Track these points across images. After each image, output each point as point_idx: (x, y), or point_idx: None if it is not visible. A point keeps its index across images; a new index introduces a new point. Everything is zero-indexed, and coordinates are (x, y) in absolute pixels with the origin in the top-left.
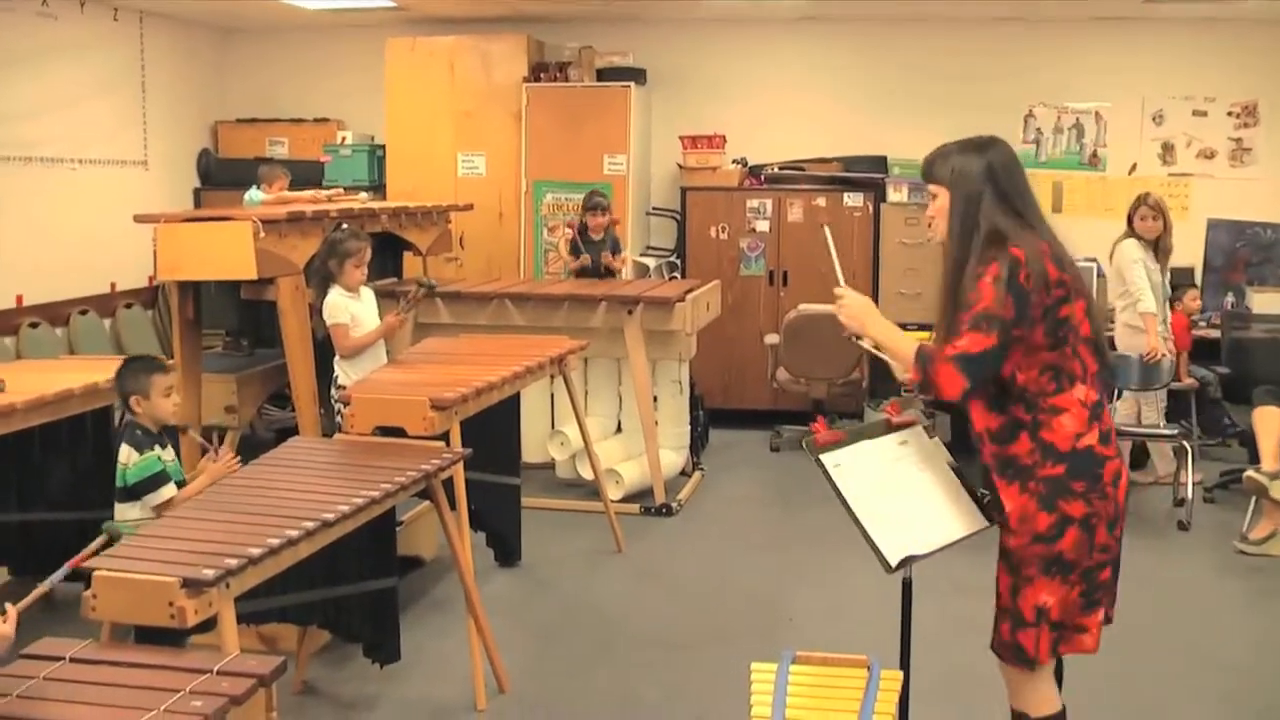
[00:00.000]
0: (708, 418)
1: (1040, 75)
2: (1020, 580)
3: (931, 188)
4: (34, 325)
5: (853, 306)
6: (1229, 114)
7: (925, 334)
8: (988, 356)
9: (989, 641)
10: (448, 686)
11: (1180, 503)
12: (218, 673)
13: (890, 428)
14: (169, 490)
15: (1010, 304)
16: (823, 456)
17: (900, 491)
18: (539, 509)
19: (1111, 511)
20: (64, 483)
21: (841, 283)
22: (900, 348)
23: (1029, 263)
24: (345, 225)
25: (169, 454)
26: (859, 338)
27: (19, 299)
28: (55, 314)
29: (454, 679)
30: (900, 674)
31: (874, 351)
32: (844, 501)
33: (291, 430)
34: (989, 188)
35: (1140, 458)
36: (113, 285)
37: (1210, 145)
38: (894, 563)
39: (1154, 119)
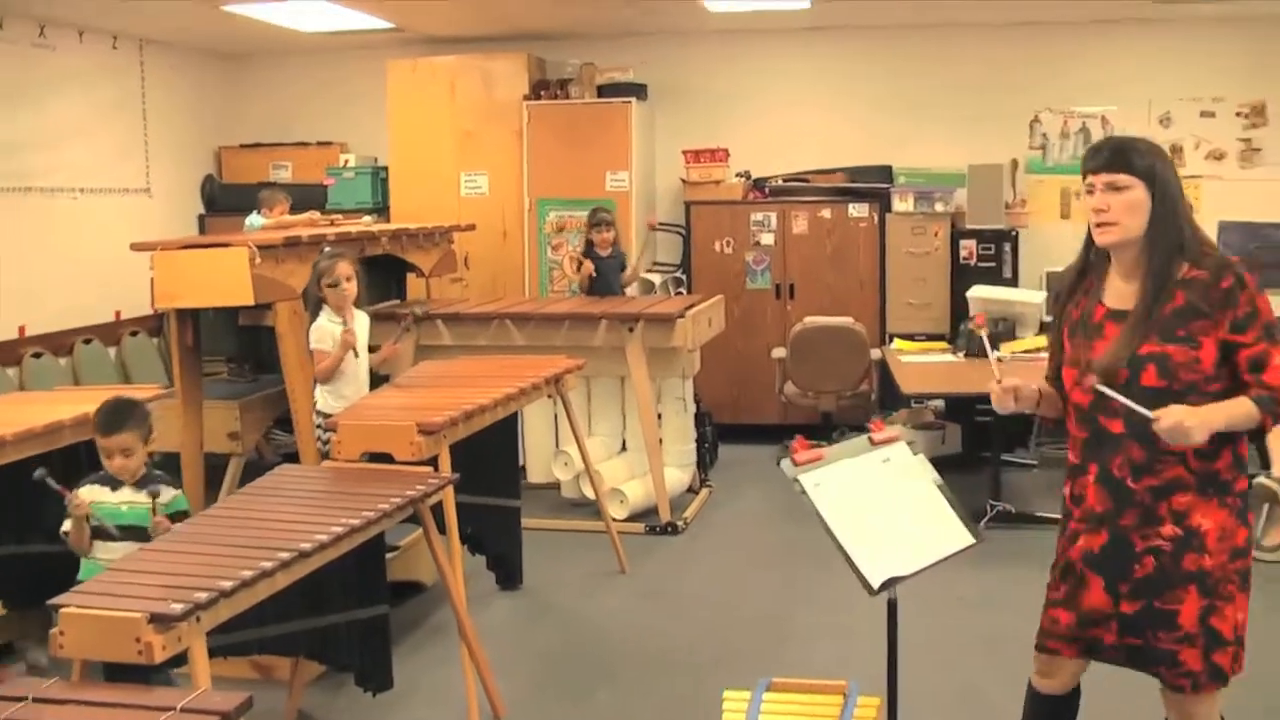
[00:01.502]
0: (716, 433)
1: (1046, 80)
2: (1219, 600)
3: (1122, 179)
4: (37, 355)
5: (1180, 425)
6: (1237, 114)
7: (936, 344)
8: None
9: (1159, 683)
10: (443, 714)
11: None
12: (181, 710)
13: (873, 445)
14: (66, 524)
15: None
16: (801, 476)
17: (882, 511)
18: (542, 530)
19: None
20: (59, 514)
21: (1146, 412)
22: (1238, 414)
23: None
24: (327, 248)
25: (117, 497)
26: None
27: (21, 330)
28: (58, 344)
29: (450, 706)
30: (879, 699)
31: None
32: (824, 523)
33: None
34: (1183, 198)
35: None
36: (117, 314)
37: (1219, 146)
38: (876, 584)
39: (1161, 121)
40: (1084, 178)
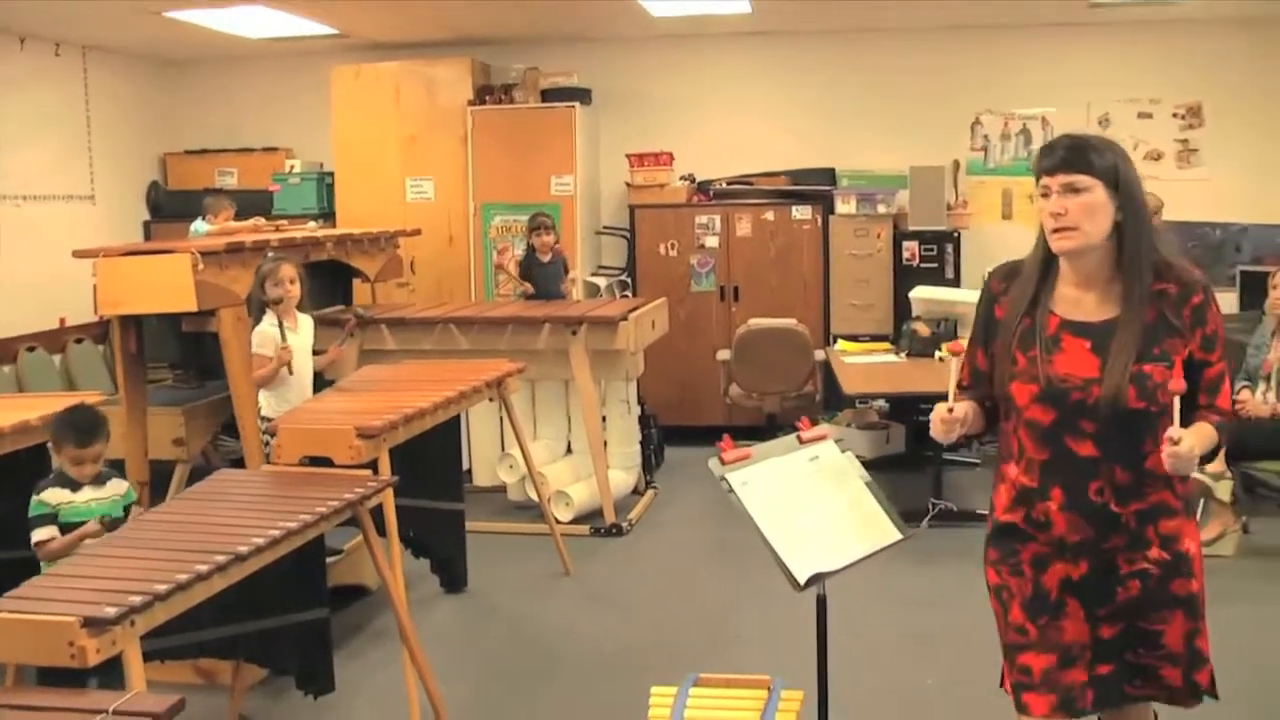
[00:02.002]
0: (661, 436)
1: (986, 82)
2: (1200, 623)
3: (1080, 179)
4: None
5: (1189, 451)
6: (1174, 115)
7: (880, 345)
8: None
9: (1160, 697)
10: (385, 716)
11: None
12: (113, 712)
13: (801, 444)
14: (42, 533)
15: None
16: (729, 475)
17: (809, 508)
18: (488, 533)
19: None
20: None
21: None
22: (1207, 440)
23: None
24: (270, 253)
25: (81, 495)
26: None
27: None
28: (3, 351)
29: (392, 710)
30: (801, 694)
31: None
32: (751, 521)
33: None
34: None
35: None
36: (62, 320)
37: (1157, 147)
38: (802, 580)
39: (1100, 122)
40: (1037, 179)
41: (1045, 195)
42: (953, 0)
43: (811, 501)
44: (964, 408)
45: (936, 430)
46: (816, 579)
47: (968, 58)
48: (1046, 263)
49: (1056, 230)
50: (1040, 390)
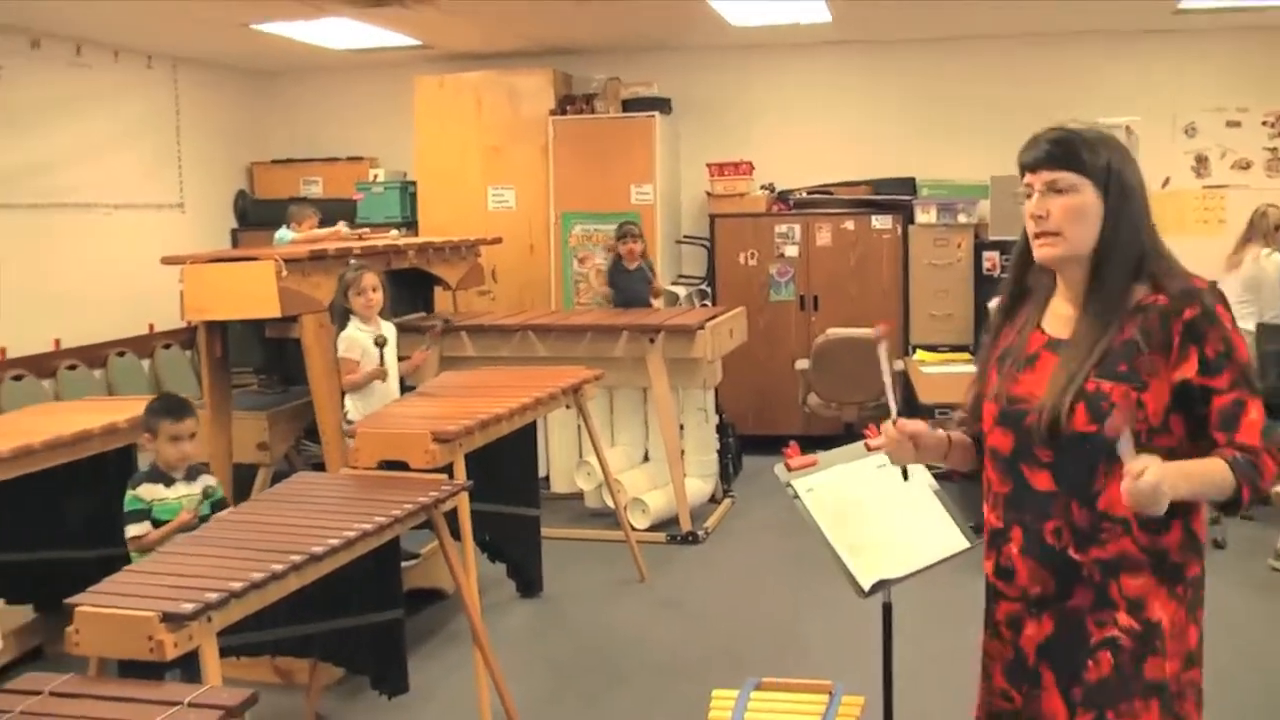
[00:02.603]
0: (739, 444)
1: (1069, 90)
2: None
3: (1064, 177)
4: (72, 368)
5: (1150, 486)
6: (1263, 124)
7: (959, 355)
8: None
9: None
10: (458, 717)
11: (1215, 520)
12: (188, 704)
13: (868, 451)
14: (136, 529)
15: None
16: (794, 481)
17: (875, 515)
18: (565, 540)
19: None
20: (87, 520)
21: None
22: (1209, 480)
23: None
24: (352, 260)
25: (173, 491)
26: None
27: (56, 342)
28: (93, 356)
29: (465, 711)
30: (862, 699)
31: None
32: (815, 527)
33: None
34: (1146, 203)
35: None
36: (150, 326)
37: (1245, 156)
38: (866, 587)
39: (1186, 131)
40: (1021, 176)
41: (1028, 195)
42: (1034, 7)
43: (877, 508)
44: (915, 426)
45: (886, 445)
46: (881, 586)
47: (1050, 65)
48: (1031, 275)
49: (1038, 235)
50: (999, 411)
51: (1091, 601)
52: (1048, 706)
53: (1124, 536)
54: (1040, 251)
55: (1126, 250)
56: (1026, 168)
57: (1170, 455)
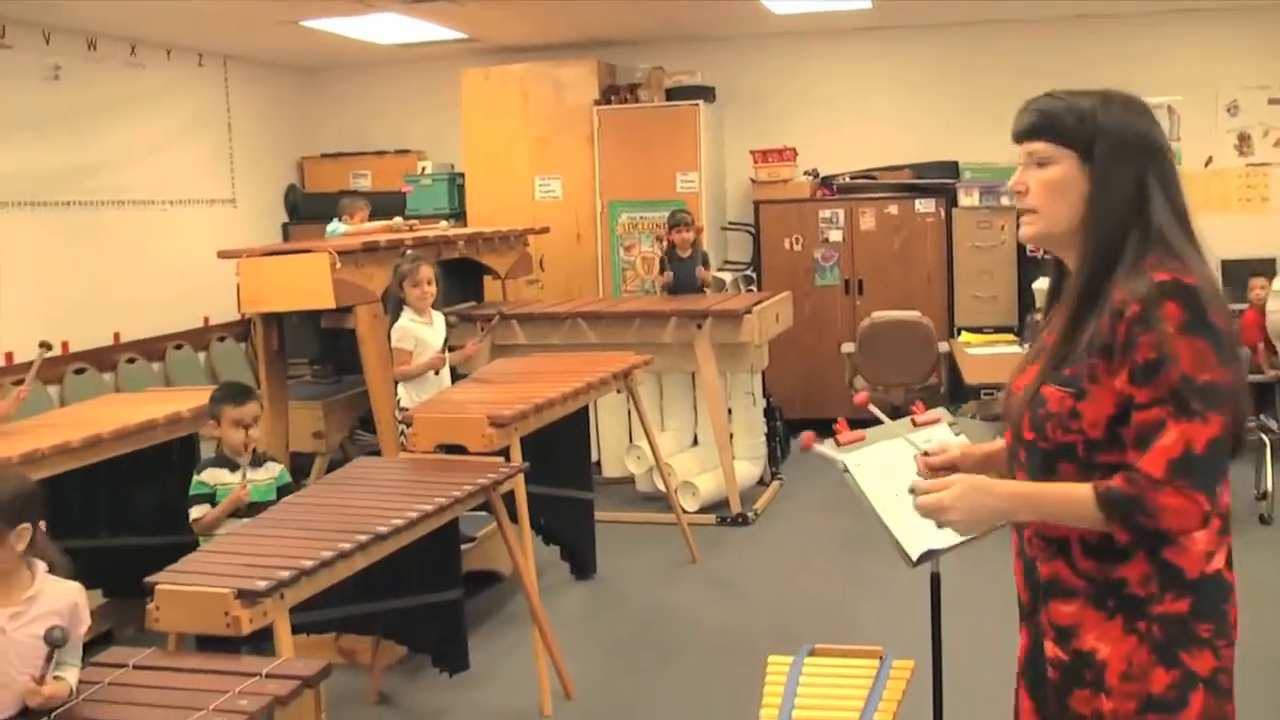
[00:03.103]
0: (786, 428)
1: (1109, 71)
2: None
3: (1041, 148)
4: (131, 361)
5: (961, 499)
6: None
7: (1003, 336)
8: (1218, 449)
9: None
10: (518, 695)
11: (1262, 496)
12: (266, 675)
13: (915, 427)
14: (196, 511)
15: (1214, 360)
16: (843, 456)
17: None
18: (617, 523)
19: (1232, 664)
20: (153, 508)
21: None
22: (1071, 510)
23: (1215, 295)
24: (408, 252)
25: (237, 476)
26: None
27: (116, 336)
28: (151, 349)
29: (524, 688)
30: (912, 662)
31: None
32: (865, 499)
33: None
34: (1153, 169)
35: None
36: (206, 319)
37: None
38: (915, 557)
39: (1228, 110)
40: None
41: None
42: None
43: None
44: (950, 455)
45: (925, 506)
46: (929, 556)
47: (1091, 46)
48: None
49: (1020, 213)
50: (1004, 409)
51: (1035, 625)
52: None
53: (1058, 559)
54: (1021, 231)
55: (1106, 232)
56: (1014, 139)
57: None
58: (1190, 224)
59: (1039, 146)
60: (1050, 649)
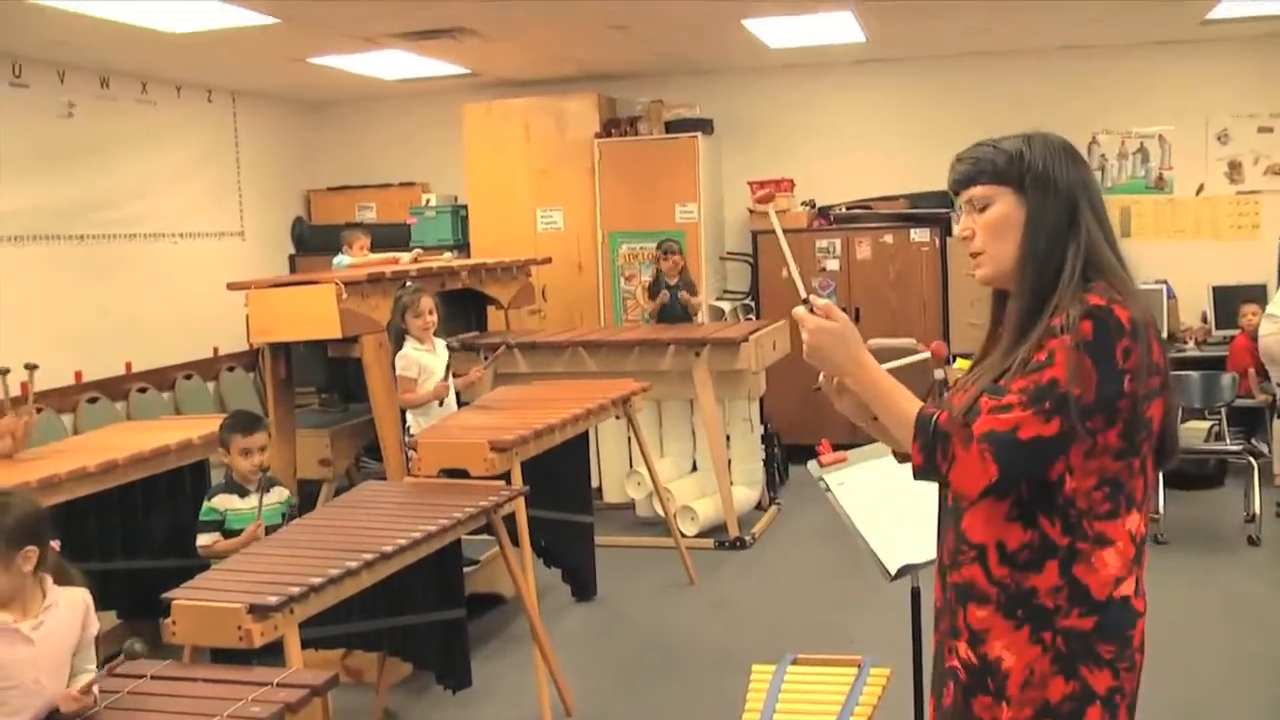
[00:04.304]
0: (784, 454)
1: (1102, 101)
2: None
3: (979, 192)
4: (142, 390)
5: (821, 334)
6: None
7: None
8: (1038, 447)
9: None
10: (519, 711)
11: (1251, 518)
12: (277, 684)
13: (821, 466)
14: (206, 539)
15: (1093, 382)
16: (826, 476)
17: (903, 505)
18: (616, 547)
19: (1133, 688)
20: (165, 532)
21: (803, 292)
22: (896, 405)
23: (1136, 333)
24: (408, 282)
25: (246, 503)
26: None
27: (128, 366)
28: (161, 379)
29: (525, 705)
30: (888, 670)
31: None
32: (846, 517)
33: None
34: (1086, 205)
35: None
36: (215, 350)
37: (1278, 161)
38: (893, 570)
39: (1219, 138)
40: None
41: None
42: (1064, 22)
43: (905, 500)
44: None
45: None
46: (907, 570)
47: (1082, 78)
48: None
49: (972, 257)
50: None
51: (948, 627)
52: None
53: (975, 564)
54: (976, 274)
55: (1042, 261)
56: (951, 190)
57: (1075, 495)
58: (1118, 246)
59: (977, 191)
60: (964, 651)
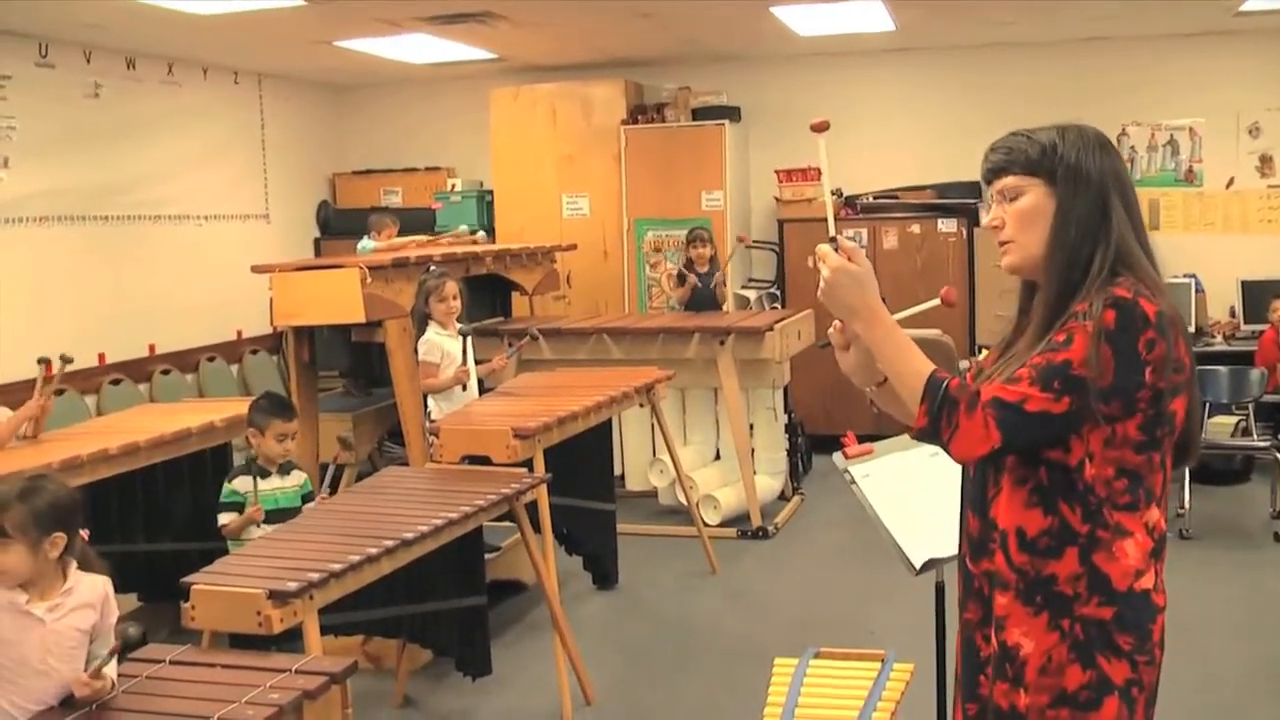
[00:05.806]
0: (808, 443)
1: (1132, 93)
2: None
3: (1010, 182)
4: (165, 372)
5: (841, 273)
6: None
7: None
8: (1044, 421)
9: None
10: (539, 700)
11: (1277, 514)
12: (295, 671)
13: (846, 459)
14: (224, 518)
15: (1110, 369)
16: (851, 468)
17: (928, 498)
18: (639, 535)
19: (1153, 683)
20: (187, 515)
21: (833, 230)
22: (906, 361)
23: (1161, 327)
24: (432, 267)
25: (267, 484)
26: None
27: (151, 348)
28: (185, 361)
29: (545, 693)
30: (912, 665)
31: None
32: (871, 510)
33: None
34: (1117, 198)
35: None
36: (239, 332)
37: None
38: (917, 564)
39: (1250, 131)
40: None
41: None
42: (1095, 12)
43: (931, 493)
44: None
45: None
46: (932, 564)
47: (1112, 69)
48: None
49: (1000, 245)
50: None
51: (979, 615)
52: None
53: (999, 551)
54: (1002, 262)
55: (1071, 252)
56: (984, 180)
57: (1093, 483)
58: (1148, 241)
59: (1008, 181)
60: (994, 637)
